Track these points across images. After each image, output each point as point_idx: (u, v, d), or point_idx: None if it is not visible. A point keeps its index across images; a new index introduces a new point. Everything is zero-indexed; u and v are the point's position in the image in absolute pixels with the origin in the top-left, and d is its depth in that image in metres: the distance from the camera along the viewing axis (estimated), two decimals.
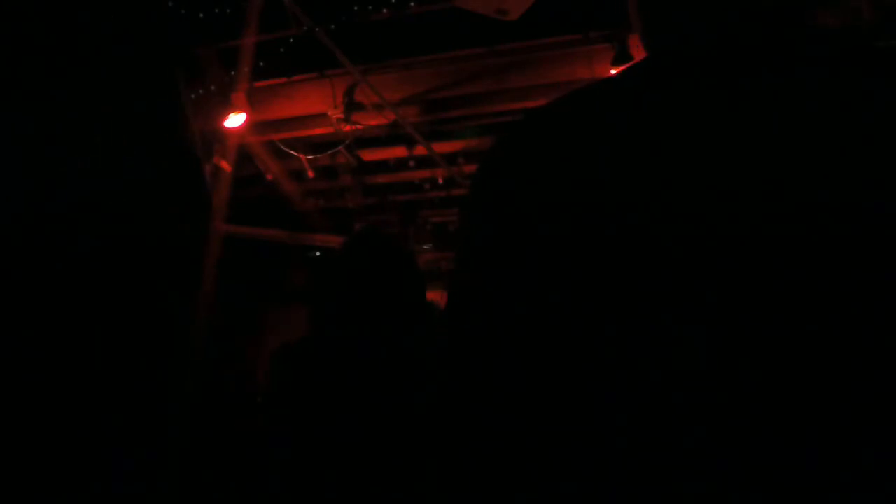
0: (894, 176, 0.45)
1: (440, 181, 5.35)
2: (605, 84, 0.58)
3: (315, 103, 4.12)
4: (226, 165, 4.00)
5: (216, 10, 3.64)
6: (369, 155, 4.85)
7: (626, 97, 0.56)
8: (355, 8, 3.58)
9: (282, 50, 3.91)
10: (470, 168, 5.03)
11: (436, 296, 4.65)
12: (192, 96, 3.82)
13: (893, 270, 0.44)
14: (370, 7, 3.58)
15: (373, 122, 4.10)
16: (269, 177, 5.08)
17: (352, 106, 3.93)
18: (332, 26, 3.52)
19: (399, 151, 4.91)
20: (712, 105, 0.52)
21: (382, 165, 5.20)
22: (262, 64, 3.92)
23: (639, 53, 3.35)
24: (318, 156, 4.61)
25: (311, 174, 4.92)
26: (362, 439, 1.39)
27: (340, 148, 4.36)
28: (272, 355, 1.59)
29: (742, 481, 0.45)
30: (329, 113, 4.03)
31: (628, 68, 0.59)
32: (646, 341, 0.48)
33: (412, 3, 3.52)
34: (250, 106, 3.82)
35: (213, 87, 3.95)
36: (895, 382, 0.43)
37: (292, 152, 4.60)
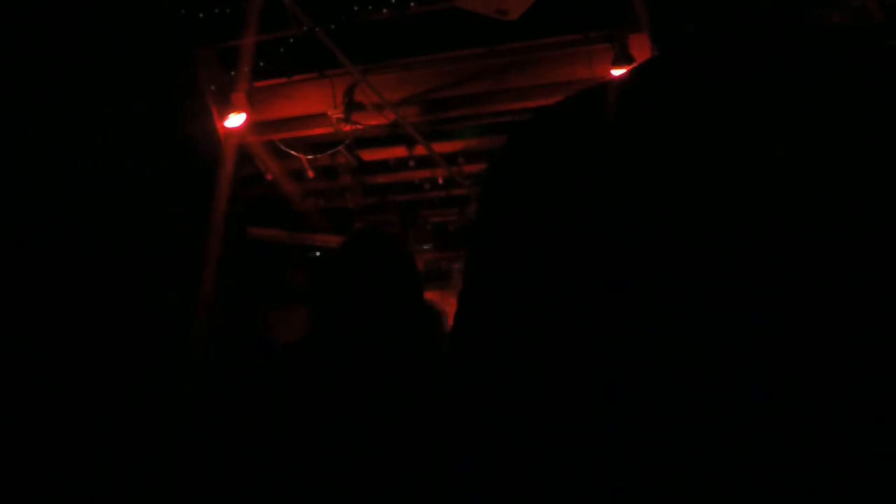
0: (894, 176, 0.45)
1: (440, 181, 5.35)
2: (609, 84, 0.58)
3: (315, 103, 4.12)
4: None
5: (216, 10, 3.64)
6: (369, 155, 4.85)
7: (627, 97, 0.56)
8: (355, 8, 3.58)
9: (282, 50, 3.91)
10: (470, 168, 5.04)
11: (435, 296, 4.65)
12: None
13: (893, 271, 0.44)
14: (370, 7, 3.58)
15: (373, 122, 4.10)
16: (269, 177, 5.08)
17: (352, 106, 3.93)
18: (332, 26, 3.52)
19: (399, 151, 4.91)
20: (712, 105, 0.52)
21: (382, 165, 5.20)
22: (262, 64, 3.92)
23: (639, 53, 3.36)
24: (318, 156, 4.61)
25: (311, 174, 4.92)
26: (361, 439, 1.39)
27: (340, 148, 4.36)
28: (272, 355, 1.59)
29: (742, 481, 0.45)
30: (329, 113, 4.03)
31: (634, 68, 0.59)
32: (646, 341, 0.48)
33: (412, 3, 3.52)
34: (250, 106, 3.81)
35: (213, 87, 3.95)
36: (895, 383, 0.43)
37: (292, 152, 4.60)
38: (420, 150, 4.66)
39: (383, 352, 1.47)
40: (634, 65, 0.62)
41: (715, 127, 0.50)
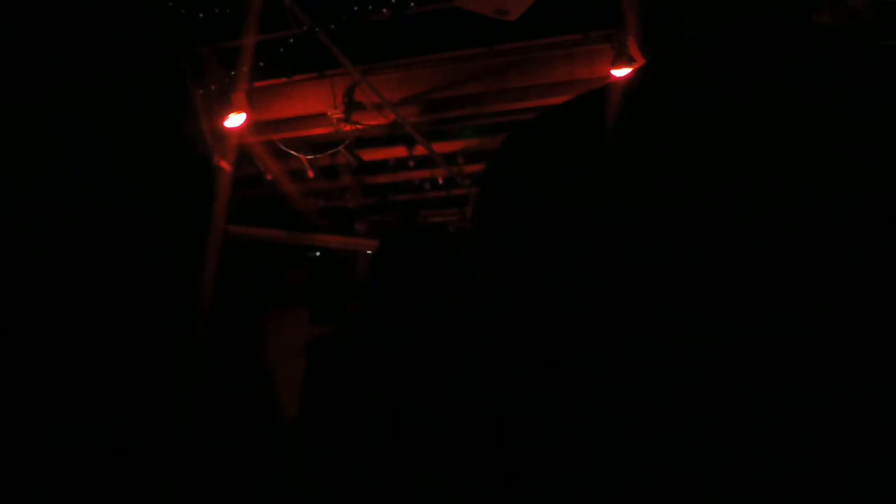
0: (890, 175, 0.45)
1: (440, 181, 5.34)
2: (612, 85, 0.58)
3: (315, 103, 4.12)
4: (226, 165, 3.99)
5: (216, 10, 3.64)
6: (369, 155, 4.85)
7: (628, 99, 0.56)
8: (355, 8, 3.58)
9: (282, 50, 3.91)
10: (470, 168, 5.03)
11: None
12: (200, 92, 3.81)
13: (893, 271, 0.44)
14: (370, 7, 3.58)
15: (373, 122, 4.10)
16: (269, 177, 5.07)
17: (352, 106, 3.93)
18: (332, 26, 3.52)
19: (399, 151, 4.90)
20: (711, 105, 0.52)
21: (382, 165, 5.19)
22: (262, 64, 3.92)
23: (639, 53, 3.35)
24: (318, 156, 4.61)
25: (311, 174, 4.91)
26: (392, 440, 1.39)
27: (340, 148, 4.35)
28: (308, 353, 1.58)
29: (745, 483, 0.45)
30: (329, 113, 4.03)
31: (636, 69, 0.59)
32: (649, 341, 0.48)
33: (412, 3, 3.52)
34: (250, 106, 3.81)
35: (213, 87, 3.95)
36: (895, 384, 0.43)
37: (292, 152, 4.60)
38: (420, 150, 4.65)
39: (425, 350, 1.45)
40: (637, 66, 0.62)
41: (714, 128, 0.51)
